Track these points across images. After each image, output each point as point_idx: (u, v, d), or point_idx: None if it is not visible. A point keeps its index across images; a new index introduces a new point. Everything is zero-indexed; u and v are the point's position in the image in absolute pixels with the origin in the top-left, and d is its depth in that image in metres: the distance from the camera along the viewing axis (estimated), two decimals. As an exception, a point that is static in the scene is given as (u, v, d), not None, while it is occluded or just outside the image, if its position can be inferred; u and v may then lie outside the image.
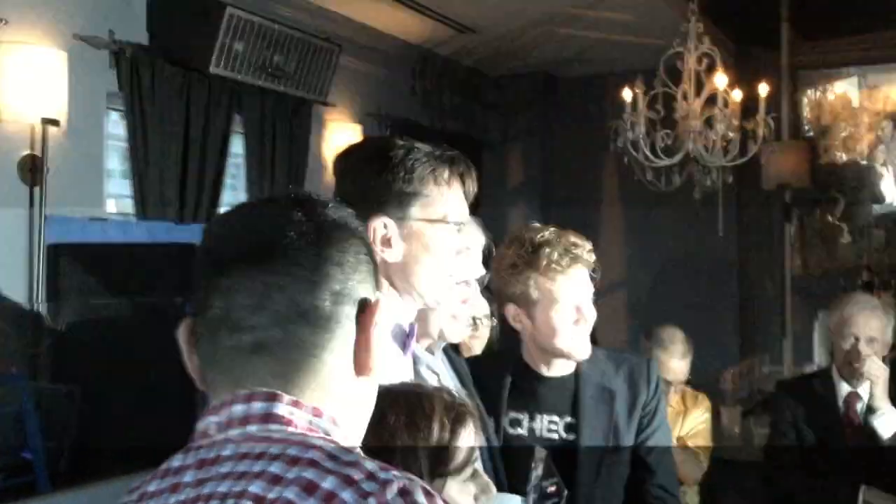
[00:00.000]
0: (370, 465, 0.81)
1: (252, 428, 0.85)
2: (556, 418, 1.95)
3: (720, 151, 4.09)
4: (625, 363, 2.12)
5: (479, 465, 1.30)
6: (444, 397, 1.29)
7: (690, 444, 3.37)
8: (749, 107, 4.21)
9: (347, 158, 1.62)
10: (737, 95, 4.15)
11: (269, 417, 0.85)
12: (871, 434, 2.95)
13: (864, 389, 3.05)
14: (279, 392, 0.86)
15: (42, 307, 2.84)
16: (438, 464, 1.22)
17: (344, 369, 0.91)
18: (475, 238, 1.84)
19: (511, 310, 1.96)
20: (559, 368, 1.98)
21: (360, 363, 0.92)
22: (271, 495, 0.78)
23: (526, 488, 1.68)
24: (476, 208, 1.64)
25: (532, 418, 1.95)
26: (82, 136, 3.76)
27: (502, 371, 2.04)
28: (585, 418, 1.93)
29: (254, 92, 4.43)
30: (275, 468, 0.80)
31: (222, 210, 4.46)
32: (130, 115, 3.91)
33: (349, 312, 0.91)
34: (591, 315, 1.93)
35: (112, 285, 2.32)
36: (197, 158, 4.13)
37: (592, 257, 1.96)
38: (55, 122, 3.52)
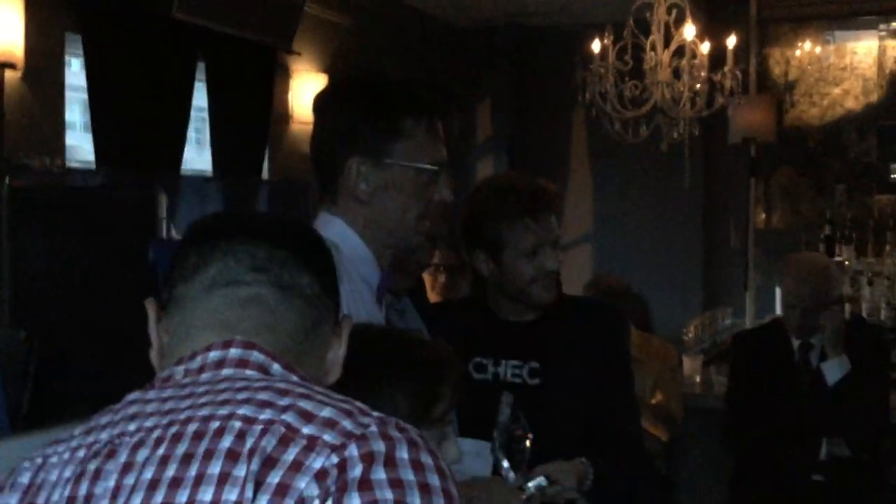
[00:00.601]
0: (361, 405, 0.81)
1: (227, 371, 0.84)
2: (520, 363, 1.95)
3: (687, 103, 4.10)
4: (591, 310, 2.13)
5: (450, 428, 1.26)
6: (434, 348, 1.26)
7: (662, 398, 3.41)
8: (717, 59, 4.22)
9: (327, 96, 1.60)
10: (705, 48, 4.15)
11: (245, 363, 0.85)
12: (822, 380, 3.03)
13: (816, 339, 3.11)
14: (257, 342, 0.86)
15: (1, 251, 2.78)
16: (415, 415, 1.18)
17: (317, 360, 0.93)
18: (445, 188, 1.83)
19: (479, 255, 1.96)
20: (525, 314, 1.98)
21: (333, 366, 0.95)
22: (263, 416, 0.77)
23: (492, 433, 1.69)
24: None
25: (497, 363, 1.95)
26: (41, 80, 3.68)
27: (468, 316, 2.04)
28: (550, 364, 1.93)
29: (218, 38, 4.34)
30: (263, 396, 0.79)
31: (185, 159, 4.40)
32: (89, 60, 3.82)
33: (332, 316, 0.94)
34: (556, 260, 1.94)
35: (73, 230, 2.28)
36: (159, 104, 4.05)
37: (558, 202, 1.96)
38: (12, 66, 3.44)
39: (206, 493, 0.74)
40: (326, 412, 0.77)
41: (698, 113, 4.17)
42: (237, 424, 0.76)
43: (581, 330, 1.98)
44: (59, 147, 3.76)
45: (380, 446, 0.75)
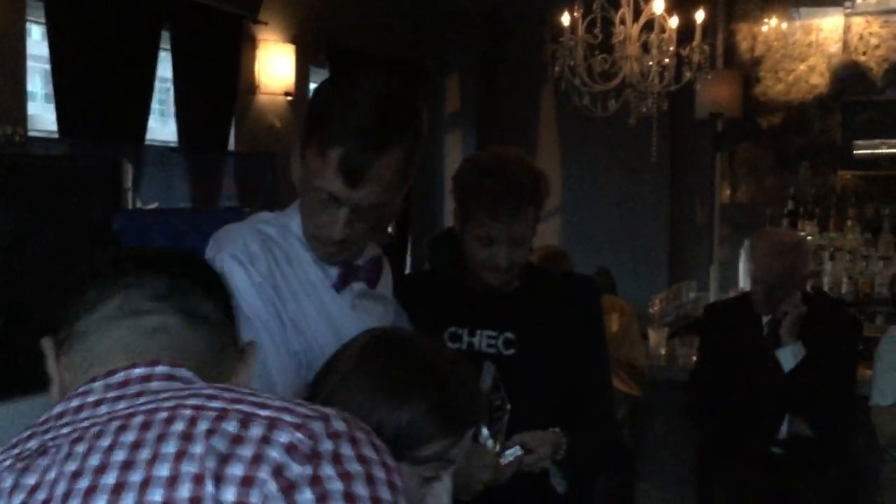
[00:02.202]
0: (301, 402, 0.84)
1: (156, 384, 0.82)
2: (495, 334, 1.96)
3: (656, 77, 4.12)
4: (566, 281, 2.15)
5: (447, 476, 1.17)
6: (465, 389, 1.18)
7: (625, 351, 3.45)
8: (685, 34, 4.23)
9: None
10: (673, 22, 4.16)
11: (173, 377, 0.83)
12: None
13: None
14: (182, 363, 0.85)
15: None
16: (404, 446, 1.12)
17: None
18: None
19: (456, 213, 1.94)
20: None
21: None
22: (214, 405, 0.77)
23: None
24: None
25: (472, 333, 1.95)
26: (1, 48, 3.60)
27: (443, 286, 2.05)
28: (524, 334, 1.94)
29: (183, 6, 4.27)
30: (209, 391, 0.80)
31: (150, 130, 4.33)
32: (51, 27, 3.74)
33: (234, 342, 0.93)
34: (507, 258, 1.88)
35: (36, 200, 2.24)
36: (123, 74, 3.98)
37: (539, 197, 1.89)
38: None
39: (163, 469, 0.73)
40: (277, 403, 0.79)
41: (666, 87, 4.20)
42: (187, 412, 0.76)
43: (556, 301, 1.99)
44: (20, 116, 3.69)
45: (341, 426, 0.78)
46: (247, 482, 0.72)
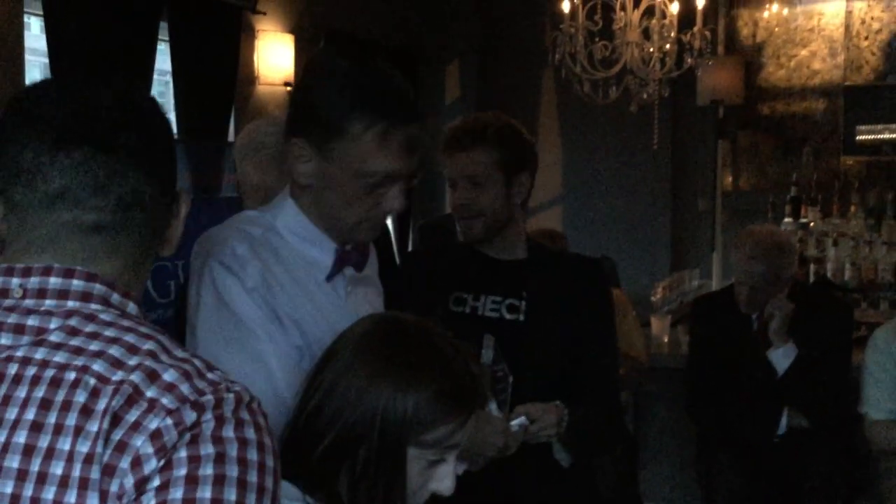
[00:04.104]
0: (199, 362, 0.88)
1: (72, 303, 0.89)
2: (499, 299, 1.96)
3: (657, 64, 4.10)
4: (574, 259, 2.17)
5: (452, 457, 1.19)
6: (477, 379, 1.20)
7: (623, 346, 3.44)
8: (686, 20, 4.21)
9: (312, 61, 1.57)
10: (674, 8, 4.15)
11: (88, 297, 0.90)
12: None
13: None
14: (97, 273, 0.91)
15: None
16: (410, 431, 1.13)
17: (153, 250, 0.99)
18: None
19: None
20: (508, 253, 2.00)
21: (168, 243, 1.01)
22: (115, 377, 0.84)
23: None
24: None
25: (476, 298, 1.97)
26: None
27: (454, 254, 2.07)
28: (529, 301, 1.95)
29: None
30: (114, 351, 0.86)
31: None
32: (49, 20, 3.73)
33: (168, 197, 0.99)
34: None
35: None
36: (121, 65, 3.97)
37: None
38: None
39: (65, 443, 0.82)
40: (168, 375, 0.85)
41: (667, 74, 4.18)
42: (91, 381, 0.84)
43: (563, 276, 2.01)
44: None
45: (209, 417, 0.84)
46: (120, 447, 0.81)
